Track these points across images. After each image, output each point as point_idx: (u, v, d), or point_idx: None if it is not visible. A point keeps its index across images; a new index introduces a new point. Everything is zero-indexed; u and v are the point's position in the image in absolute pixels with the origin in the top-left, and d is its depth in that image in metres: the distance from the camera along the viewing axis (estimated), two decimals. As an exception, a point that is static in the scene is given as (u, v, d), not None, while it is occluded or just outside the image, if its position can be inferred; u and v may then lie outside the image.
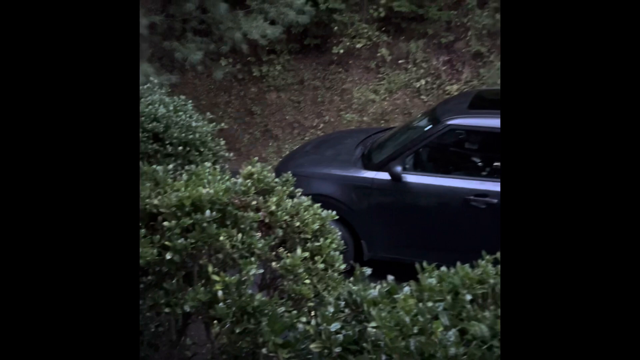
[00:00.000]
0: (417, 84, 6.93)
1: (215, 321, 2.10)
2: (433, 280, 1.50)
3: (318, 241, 2.48)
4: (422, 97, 6.85)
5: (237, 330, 2.06)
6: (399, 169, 4.10)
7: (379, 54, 7.19)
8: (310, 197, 2.65)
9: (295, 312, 2.02)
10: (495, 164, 4.13)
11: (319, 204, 2.62)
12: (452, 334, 1.30)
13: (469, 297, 1.47)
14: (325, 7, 7.06)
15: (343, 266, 2.47)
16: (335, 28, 7.26)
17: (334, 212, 2.64)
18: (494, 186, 3.95)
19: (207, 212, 2.19)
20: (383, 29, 7.28)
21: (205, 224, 2.18)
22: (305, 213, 2.53)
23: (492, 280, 1.51)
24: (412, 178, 4.13)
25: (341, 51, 7.18)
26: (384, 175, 4.18)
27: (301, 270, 2.28)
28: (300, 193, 2.71)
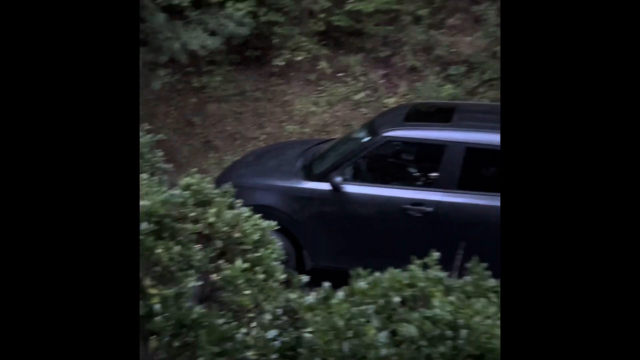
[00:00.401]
0: (356, 97, 7.11)
1: (153, 335, 2.07)
2: (365, 285, 1.57)
3: (258, 252, 2.50)
4: (361, 109, 7.03)
5: (176, 344, 2.04)
6: (339, 179, 4.20)
7: (319, 67, 7.32)
8: (252, 208, 2.67)
9: (235, 323, 2.03)
10: (430, 174, 4.31)
11: (259, 215, 2.65)
12: (383, 335, 1.37)
13: (398, 299, 1.55)
14: (265, 19, 7.12)
15: (283, 276, 2.50)
16: (276, 40, 7.33)
17: (275, 223, 2.67)
18: (429, 195, 4.12)
19: (144, 224, 2.17)
20: (323, 42, 7.42)
21: (141, 237, 2.15)
22: (245, 224, 2.54)
23: (421, 284, 1.60)
24: (351, 188, 4.23)
25: (282, 63, 7.25)
26: (325, 186, 4.26)
27: (241, 281, 2.29)
28: (241, 204, 2.72)
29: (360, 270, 1.69)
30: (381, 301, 1.51)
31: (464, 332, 1.45)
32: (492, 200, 4.01)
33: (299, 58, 7.29)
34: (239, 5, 6.72)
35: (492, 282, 1.74)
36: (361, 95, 7.10)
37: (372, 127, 4.56)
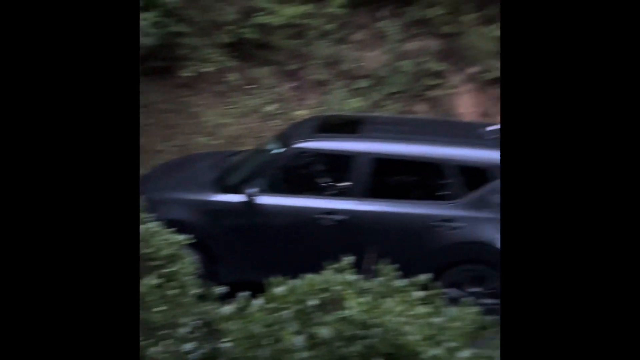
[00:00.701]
0: (267, 109, 7.16)
1: None
2: (282, 291, 1.60)
3: (171, 267, 2.45)
4: (272, 121, 7.08)
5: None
6: (252, 191, 4.21)
7: (228, 79, 7.29)
8: (164, 222, 2.61)
9: (149, 340, 1.97)
10: (342, 184, 4.45)
11: (171, 229, 2.59)
12: (300, 339, 1.41)
13: (314, 303, 1.60)
14: (172, 30, 6.96)
15: (198, 290, 2.47)
16: (183, 51, 7.19)
17: (188, 237, 2.63)
18: (342, 204, 4.25)
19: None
20: (232, 54, 7.40)
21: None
22: (156, 239, 2.48)
23: (335, 287, 1.66)
24: (265, 200, 4.26)
25: (190, 75, 7.12)
26: (239, 198, 4.25)
27: (152, 297, 2.23)
28: (151, 218, 2.65)
29: (277, 278, 1.72)
30: (297, 306, 1.56)
31: (376, 331, 1.53)
32: (401, 207, 4.22)
33: (208, 69, 7.21)
34: (144, 15, 6.52)
35: (401, 282, 1.85)
36: (271, 107, 7.16)
37: (283, 139, 4.63)
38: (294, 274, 2.49)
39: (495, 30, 7.08)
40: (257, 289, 2.24)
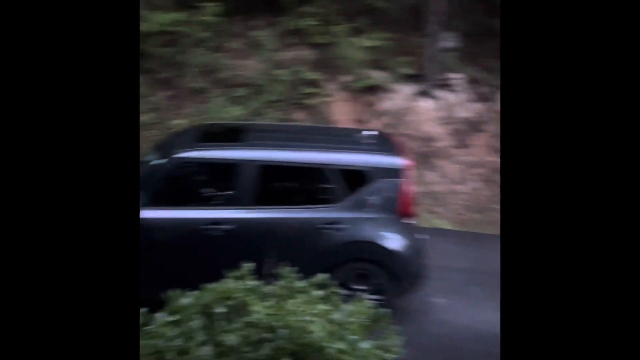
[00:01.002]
0: (141, 119, 6.84)
1: None
2: (187, 302, 1.57)
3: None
4: (148, 131, 6.78)
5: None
6: (131, 205, 3.99)
7: (96, 88, 6.84)
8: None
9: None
10: (227, 193, 4.40)
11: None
12: (207, 349, 1.39)
13: (219, 311, 1.59)
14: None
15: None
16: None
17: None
18: (227, 214, 4.20)
19: None
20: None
21: None
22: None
23: (237, 294, 1.66)
24: (147, 213, 4.06)
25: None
26: (116, 213, 4.01)
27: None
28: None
29: (177, 291, 1.67)
30: (202, 316, 1.53)
31: (282, 332, 1.56)
32: (287, 213, 4.29)
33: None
34: None
35: (301, 283, 1.90)
36: (146, 117, 6.85)
37: (163, 149, 4.46)
38: (186, 288, 2.43)
39: (364, 41, 7.53)
40: (150, 306, 2.14)
